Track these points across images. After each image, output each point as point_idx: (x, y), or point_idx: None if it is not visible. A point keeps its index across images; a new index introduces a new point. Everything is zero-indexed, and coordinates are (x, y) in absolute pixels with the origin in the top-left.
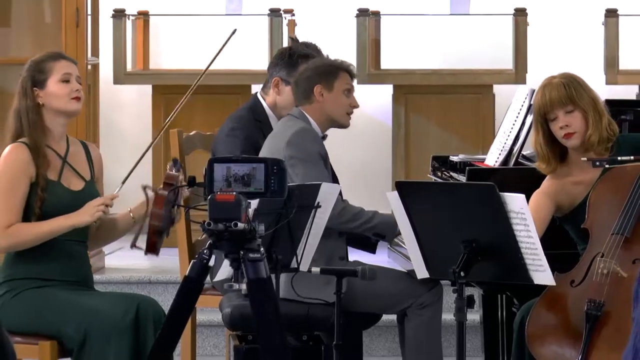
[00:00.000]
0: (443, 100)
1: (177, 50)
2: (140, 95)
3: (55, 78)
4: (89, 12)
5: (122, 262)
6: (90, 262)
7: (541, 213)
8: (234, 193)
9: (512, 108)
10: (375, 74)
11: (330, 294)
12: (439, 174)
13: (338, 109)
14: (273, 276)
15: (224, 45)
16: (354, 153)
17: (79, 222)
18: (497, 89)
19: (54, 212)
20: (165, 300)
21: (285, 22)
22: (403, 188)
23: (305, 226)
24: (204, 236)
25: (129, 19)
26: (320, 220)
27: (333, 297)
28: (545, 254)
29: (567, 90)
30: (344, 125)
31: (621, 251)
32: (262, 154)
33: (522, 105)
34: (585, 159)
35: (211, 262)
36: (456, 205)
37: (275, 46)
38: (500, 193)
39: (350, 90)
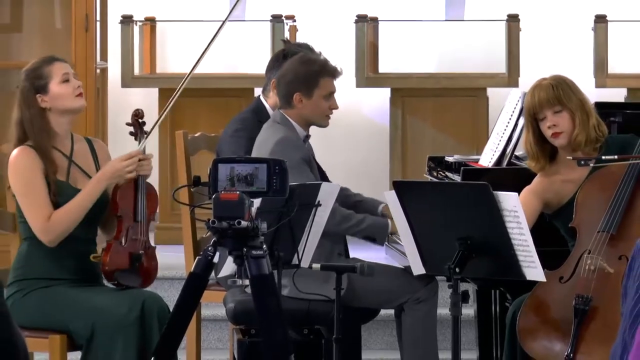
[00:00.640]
0: (439, 102)
1: (183, 54)
2: (147, 98)
3: (56, 80)
4: (98, 17)
5: None
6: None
7: (527, 210)
8: (238, 192)
9: (505, 110)
10: (373, 78)
11: (330, 289)
12: (435, 174)
13: (316, 113)
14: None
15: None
16: (353, 154)
17: (112, 181)
18: (491, 91)
19: None
20: (171, 296)
21: (286, 27)
22: (400, 187)
23: (306, 224)
24: (208, 234)
25: (136, 24)
26: (320, 218)
27: (333, 293)
28: (537, 251)
29: (555, 92)
30: (322, 126)
31: (607, 248)
32: None
33: (515, 108)
34: (570, 157)
35: (215, 259)
36: (451, 204)
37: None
38: (494, 192)
39: (331, 94)
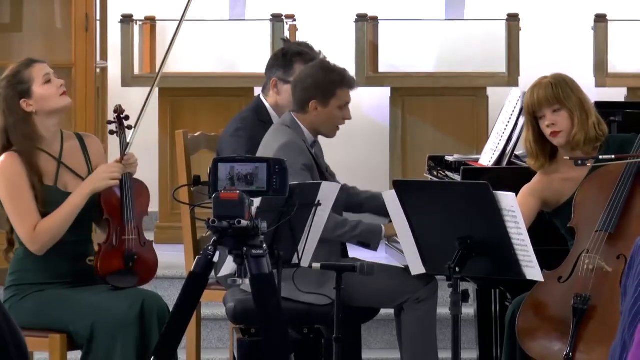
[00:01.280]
0: (439, 102)
1: (183, 54)
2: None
3: (38, 82)
4: (98, 17)
5: None
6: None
7: (525, 209)
8: (238, 192)
9: (505, 110)
10: (373, 77)
11: (330, 289)
12: (435, 173)
13: (328, 123)
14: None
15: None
16: (353, 153)
17: (95, 189)
18: (491, 91)
19: None
20: (171, 295)
21: (286, 27)
22: (400, 187)
23: (306, 224)
24: (208, 233)
25: (136, 24)
26: (320, 218)
27: (333, 292)
28: (537, 250)
29: (555, 91)
30: (328, 137)
31: (606, 247)
32: None
33: (515, 107)
34: (567, 157)
35: (215, 258)
36: (451, 203)
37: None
38: (492, 191)
39: (346, 104)
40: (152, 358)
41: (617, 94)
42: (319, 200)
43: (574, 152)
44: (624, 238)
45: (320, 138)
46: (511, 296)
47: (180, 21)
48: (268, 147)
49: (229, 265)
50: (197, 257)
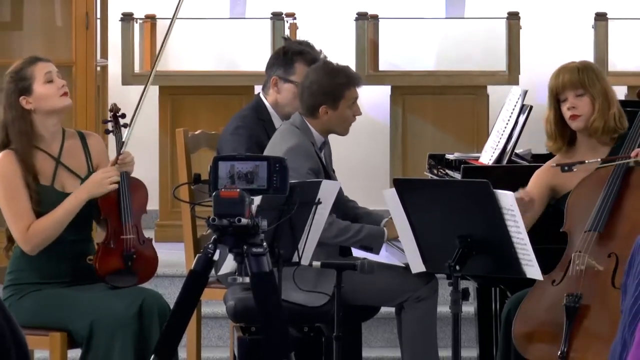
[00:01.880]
0: (439, 100)
1: (183, 52)
2: (147, 96)
3: (39, 81)
4: (99, 15)
5: None
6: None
7: (537, 186)
8: (238, 190)
9: (506, 108)
10: (373, 75)
11: (330, 287)
12: (435, 171)
13: (342, 123)
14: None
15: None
16: (353, 152)
17: (92, 195)
18: (491, 89)
19: None
20: (172, 293)
21: (287, 25)
22: (400, 185)
23: (306, 222)
24: (208, 231)
25: (136, 22)
26: (320, 216)
27: (333, 290)
28: (537, 249)
29: (580, 75)
30: (341, 134)
31: (596, 247)
32: None
33: (515, 105)
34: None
35: (216, 256)
36: (452, 202)
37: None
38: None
39: (355, 100)
40: (153, 356)
41: (617, 93)
42: (319, 199)
43: (591, 139)
44: (614, 237)
45: None
46: (511, 294)
47: (173, 19)
48: (275, 147)
49: (229, 264)
50: (197, 255)
